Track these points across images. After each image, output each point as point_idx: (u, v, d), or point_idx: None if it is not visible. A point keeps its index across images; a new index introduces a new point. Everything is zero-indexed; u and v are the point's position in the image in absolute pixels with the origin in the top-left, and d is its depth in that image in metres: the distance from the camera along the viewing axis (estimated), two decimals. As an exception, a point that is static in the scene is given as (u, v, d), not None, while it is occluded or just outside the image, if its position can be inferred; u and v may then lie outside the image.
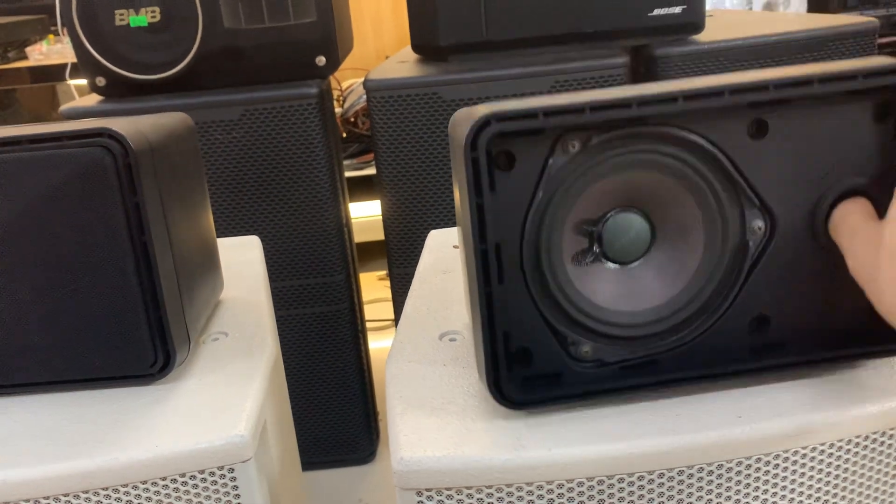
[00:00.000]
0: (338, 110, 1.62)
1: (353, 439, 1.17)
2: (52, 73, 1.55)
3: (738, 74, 0.40)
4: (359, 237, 1.23)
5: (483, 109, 0.38)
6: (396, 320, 1.12)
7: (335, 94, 1.64)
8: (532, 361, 0.43)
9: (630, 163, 0.40)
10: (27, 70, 1.58)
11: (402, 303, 1.08)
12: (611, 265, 0.42)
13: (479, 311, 0.40)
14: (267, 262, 1.04)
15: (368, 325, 1.23)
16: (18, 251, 0.45)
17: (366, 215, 1.56)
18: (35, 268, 0.45)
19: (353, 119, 1.65)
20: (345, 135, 1.63)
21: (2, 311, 0.46)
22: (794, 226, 0.42)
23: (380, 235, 1.14)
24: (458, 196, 0.43)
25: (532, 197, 0.40)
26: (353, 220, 1.18)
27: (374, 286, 1.75)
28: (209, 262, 0.57)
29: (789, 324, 0.43)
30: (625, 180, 0.41)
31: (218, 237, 0.61)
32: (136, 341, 0.47)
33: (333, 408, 1.15)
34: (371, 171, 1.59)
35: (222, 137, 1.01)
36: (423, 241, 1.05)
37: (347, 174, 1.51)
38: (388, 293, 1.64)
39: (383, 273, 1.81)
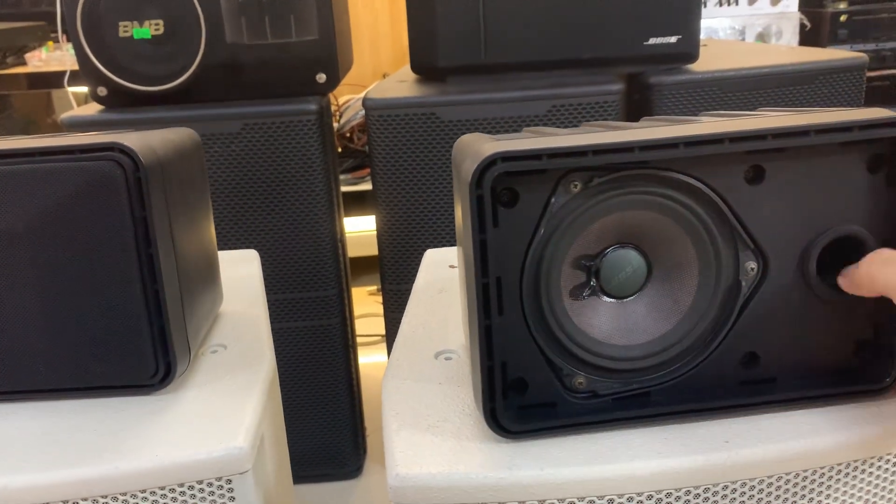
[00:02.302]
0: (334, 125, 1.64)
1: (340, 454, 1.17)
2: (51, 80, 1.56)
3: (738, 121, 0.41)
4: (351, 252, 1.24)
5: (489, 147, 0.39)
6: (388, 336, 1.13)
7: (332, 109, 1.65)
8: (527, 391, 0.44)
9: (629, 203, 0.41)
10: (25, 76, 1.59)
11: (394, 319, 1.10)
12: (607, 299, 0.43)
13: (477, 340, 0.41)
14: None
15: (358, 339, 1.24)
16: (26, 260, 0.46)
17: (359, 230, 1.57)
18: (42, 276, 0.46)
19: (349, 134, 1.66)
20: (340, 150, 1.64)
21: (7, 318, 0.47)
22: (786, 268, 0.43)
23: (372, 251, 1.15)
24: (461, 224, 0.44)
25: (533, 233, 0.41)
26: (346, 235, 1.19)
27: (364, 301, 1.76)
28: (210, 276, 0.58)
29: (778, 361, 0.45)
30: (623, 219, 0.42)
31: (217, 250, 0.62)
32: (139, 351, 0.48)
33: (321, 422, 1.15)
34: (365, 186, 1.60)
35: (222, 150, 1.02)
36: (417, 258, 1.06)
37: (342, 189, 1.52)
38: (378, 308, 1.65)
39: (374, 288, 1.82)
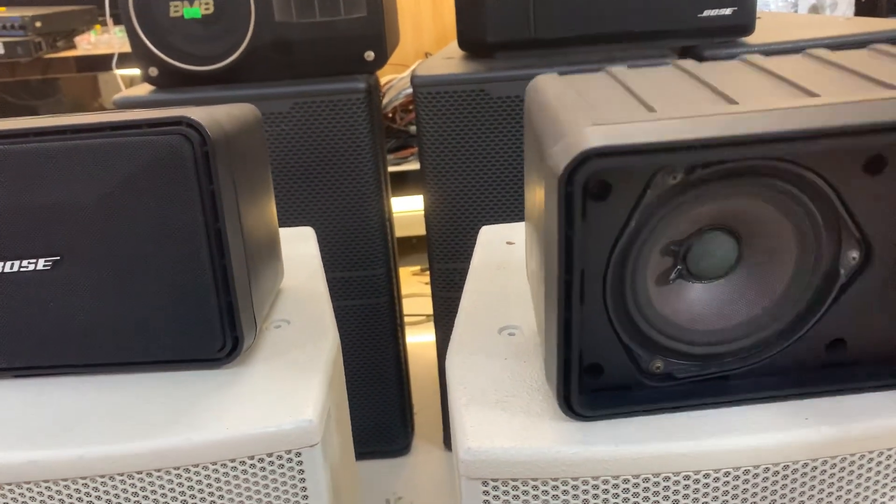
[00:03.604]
0: (378, 105, 1.63)
1: (389, 432, 1.18)
2: (100, 63, 1.58)
3: (858, 101, 0.37)
4: (395, 232, 1.24)
5: (583, 137, 0.35)
6: (436, 315, 1.13)
7: (375, 89, 1.65)
8: (602, 375, 0.43)
9: (732, 194, 0.39)
10: (74, 59, 1.61)
11: (443, 298, 1.09)
12: (693, 282, 0.42)
13: (555, 329, 0.40)
14: (312, 254, 1.05)
15: (405, 319, 1.24)
16: (97, 234, 0.46)
17: (401, 210, 1.57)
18: (112, 250, 0.47)
19: (391, 115, 1.66)
20: (383, 130, 1.64)
21: (79, 292, 0.47)
22: (891, 257, 0.40)
23: (414, 231, 1.14)
24: (537, 204, 0.42)
25: (624, 225, 0.39)
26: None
27: (408, 281, 1.76)
28: (273, 251, 0.58)
29: (866, 347, 0.43)
30: (721, 206, 0.39)
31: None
32: (207, 325, 0.48)
33: (371, 400, 1.16)
34: (408, 166, 1.60)
35: (271, 129, 1.02)
36: (466, 236, 1.05)
37: (386, 169, 1.52)
38: (422, 288, 1.64)
39: (417, 268, 1.82)
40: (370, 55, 1.03)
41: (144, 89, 1.06)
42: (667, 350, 0.42)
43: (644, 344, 0.42)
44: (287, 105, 1.02)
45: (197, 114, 0.46)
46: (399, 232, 1.42)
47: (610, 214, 0.38)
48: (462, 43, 1.10)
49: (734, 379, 0.43)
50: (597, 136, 0.36)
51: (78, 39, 1.65)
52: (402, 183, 1.56)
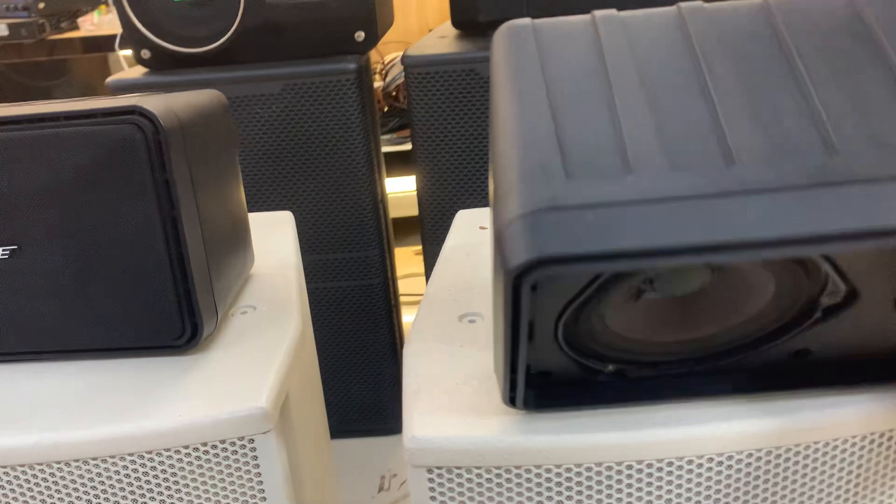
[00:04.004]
0: (380, 84, 1.62)
1: (385, 410, 1.19)
2: (103, 44, 1.59)
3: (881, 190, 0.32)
4: (398, 212, 1.24)
5: (536, 232, 0.32)
6: (429, 296, 1.13)
7: (377, 67, 1.64)
8: (551, 377, 0.42)
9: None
10: (79, 40, 1.62)
11: (435, 279, 1.09)
12: (657, 299, 0.40)
13: (502, 351, 0.38)
14: (303, 236, 1.05)
15: (403, 299, 1.25)
16: (53, 223, 0.47)
17: (405, 190, 1.56)
18: (68, 240, 0.47)
19: (394, 93, 1.65)
20: (386, 109, 1.64)
21: (35, 280, 0.48)
22: (878, 298, 0.38)
23: (416, 211, 1.15)
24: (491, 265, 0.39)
25: (579, 293, 0.37)
26: (392, 195, 1.19)
27: (410, 261, 1.77)
28: (239, 238, 0.58)
29: (832, 356, 0.41)
30: None
31: (255, 210, 0.63)
32: (165, 313, 0.48)
33: (366, 379, 1.17)
34: (410, 146, 1.59)
35: (263, 111, 1.02)
36: (457, 218, 1.05)
37: (387, 149, 1.51)
38: (423, 269, 1.65)
39: (419, 248, 1.82)
40: (360, 35, 1.02)
41: (139, 71, 1.07)
42: (621, 359, 0.41)
43: (597, 356, 0.41)
44: (278, 87, 1.02)
45: (151, 102, 0.46)
46: (401, 212, 1.42)
47: (564, 289, 0.36)
48: (455, 22, 1.09)
49: (689, 377, 0.42)
50: (549, 238, 0.33)
51: (81, 20, 1.66)
52: (405, 162, 1.56)
